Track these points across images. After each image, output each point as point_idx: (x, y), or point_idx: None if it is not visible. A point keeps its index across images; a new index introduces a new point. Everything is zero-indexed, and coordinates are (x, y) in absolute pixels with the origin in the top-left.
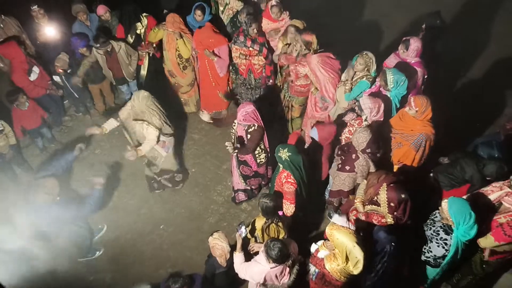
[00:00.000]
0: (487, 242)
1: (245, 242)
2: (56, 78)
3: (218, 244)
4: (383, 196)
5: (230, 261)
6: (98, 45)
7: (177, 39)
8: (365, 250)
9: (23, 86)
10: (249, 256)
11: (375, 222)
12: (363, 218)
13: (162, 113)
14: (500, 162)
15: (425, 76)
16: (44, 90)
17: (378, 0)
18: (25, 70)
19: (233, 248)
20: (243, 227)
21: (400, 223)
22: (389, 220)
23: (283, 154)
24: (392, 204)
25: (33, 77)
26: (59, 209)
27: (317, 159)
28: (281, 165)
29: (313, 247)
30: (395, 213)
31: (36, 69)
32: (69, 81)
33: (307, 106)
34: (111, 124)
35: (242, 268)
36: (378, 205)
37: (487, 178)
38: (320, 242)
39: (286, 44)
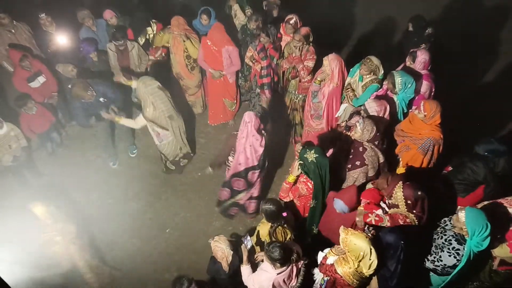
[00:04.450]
0: (502, 252)
1: (252, 253)
2: None
3: (217, 246)
4: (399, 194)
5: (233, 267)
6: (121, 41)
7: (184, 41)
8: (378, 252)
9: (20, 91)
10: (256, 266)
11: (401, 222)
12: (388, 222)
13: (163, 107)
14: (509, 155)
15: (433, 90)
16: (43, 98)
17: (382, 3)
18: (25, 77)
19: (237, 254)
20: (248, 239)
21: (422, 222)
22: (412, 218)
23: (310, 155)
24: (409, 202)
25: (33, 85)
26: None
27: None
28: (301, 170)
29: (320, 255)
30: (414, 211)
31: (41, 79)
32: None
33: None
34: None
35: (250, 279)
36: (397, 206)
37: (499, 174)
38: (326, 250)
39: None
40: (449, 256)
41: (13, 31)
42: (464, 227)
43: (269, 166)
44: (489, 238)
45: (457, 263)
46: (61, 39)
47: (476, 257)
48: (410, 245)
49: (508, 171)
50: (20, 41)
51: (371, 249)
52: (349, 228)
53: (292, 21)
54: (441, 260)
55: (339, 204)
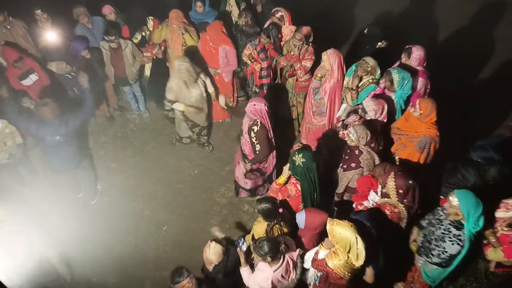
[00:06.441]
0: (495, 255)
1: (249, 254)
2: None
3: (215, 248)
4: (391, 184)
5: (235, 260)
6: (113, 37)
7: (183, 34)
8: (365, 241)
9: (15, 88)
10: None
11: (387, 212)
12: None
13: None
14: (501, 165)
15: (428, 87)
16: (36, 95)
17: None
18: (17, 74)
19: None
20: (243, 241)
21: (412, 212)
22: (401, 209)
23: (298, 159)
24: (400, 191)
25: (25, 82)
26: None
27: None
28: (290, 171)
29: (312, 251)
30: (404, 200)
31: (33, 77)
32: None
33: (304, 110)
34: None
35: (250, 280)
36: (388, 196)
37: (489, 183)
38: (317, 247)
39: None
40: (452, 244)
41: (8, 27)
42: (458, 211)
43: None
44: (483, 216)
45: (461, 249)
46: (56, 36)
47: (475, 240)
48: (386, 227)
49: (497, 180)
50: (15, 38)
51: (356, 237)
52: (335, 219)
53: (278, 15)
54: (446, 252)
55: (300, 217)
